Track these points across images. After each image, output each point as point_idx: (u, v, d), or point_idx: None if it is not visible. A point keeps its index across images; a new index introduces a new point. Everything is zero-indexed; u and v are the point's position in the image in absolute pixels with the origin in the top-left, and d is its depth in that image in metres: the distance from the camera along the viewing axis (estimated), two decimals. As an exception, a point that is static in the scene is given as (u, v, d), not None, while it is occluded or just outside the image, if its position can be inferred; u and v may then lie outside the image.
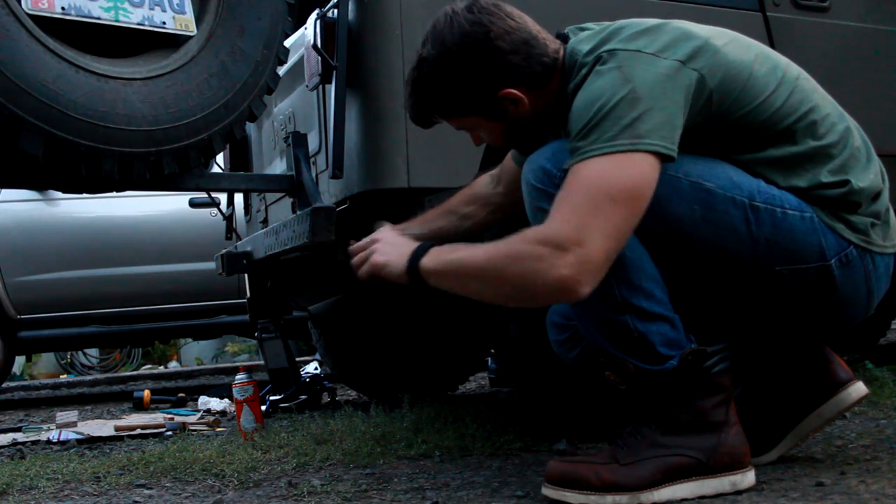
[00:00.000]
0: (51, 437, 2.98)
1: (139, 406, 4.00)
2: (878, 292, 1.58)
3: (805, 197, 1.49)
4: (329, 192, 2.26)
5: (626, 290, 1.43)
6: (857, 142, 1.57)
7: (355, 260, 1.66)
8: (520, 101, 1.53)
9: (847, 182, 1.50)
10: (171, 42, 2.11)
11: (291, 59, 2.45)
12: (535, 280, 1.33)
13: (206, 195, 3.21)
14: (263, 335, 3.39)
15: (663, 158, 1.37)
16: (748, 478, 1.48)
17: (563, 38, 1.59)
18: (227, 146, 2.87)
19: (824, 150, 1.51)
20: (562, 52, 1.56)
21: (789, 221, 1.47)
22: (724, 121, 1.48)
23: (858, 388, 1.64)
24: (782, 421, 1.68)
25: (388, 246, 1.59)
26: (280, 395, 3.38)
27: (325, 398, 3.55)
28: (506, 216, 1.81)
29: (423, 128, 1.71)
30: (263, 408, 3.08)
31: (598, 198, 1.33)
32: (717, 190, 1.46)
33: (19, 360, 8.08)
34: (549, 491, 1.47)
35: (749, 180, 1.48)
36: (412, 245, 1.54)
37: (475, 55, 1.49)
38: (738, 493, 1.47)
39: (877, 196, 1.54)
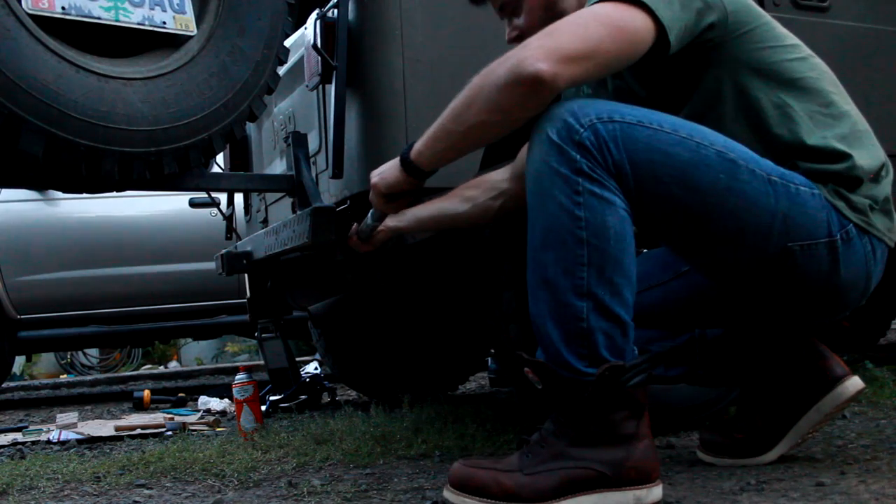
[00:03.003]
0: (51, 438, 2.98)
1: (139, 406, 4.00)
2: (875, 277, 1.58)
3: (809, 172, 1.51)
4: (329, 191, 2.26)
5: (594, 277, 1.38)
6: (862, 125, 1.61)
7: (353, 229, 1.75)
8: None
9: (850, 156, 1.52)
10: (172, 42, 2.11)
11: (291, 59, 2.45)
12: (506, 77, 1.35)
13: (206, 195, 3.20)
14: (263, 335, 3.39)
15: (659, 26, 1.41)
16: (654, 493, 1.41)
17: None
18: (228, 146, 2.87)
19: (833, 114, 1.56)
20: None
21: (802, 197, 1.48)
22: (741, 48, 1.55)
23: (855, 383, 1.64)
24: (781, 419, 1.67)
25: (377, 170, 1.69)
26: (280, 395, 3.38)
27: (325, 398, 3.56)
28: (508, 209, 1.75)
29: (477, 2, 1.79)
30: (263, 408, 3.08)
31: (578, 19, 1.40)
32: (740, 161, 1.46)
33: (19, 360, 8.08)
34: (449, 494, 1.42)
35: (764, 159, 1.50)
36: (396, 158, 1.63)
37: None
38: (736, 492, 1.47)
39: (876, 178, 1.55)
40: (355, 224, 1.86)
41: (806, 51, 1.65)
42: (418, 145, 1.56)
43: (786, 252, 1.47)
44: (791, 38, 1.64)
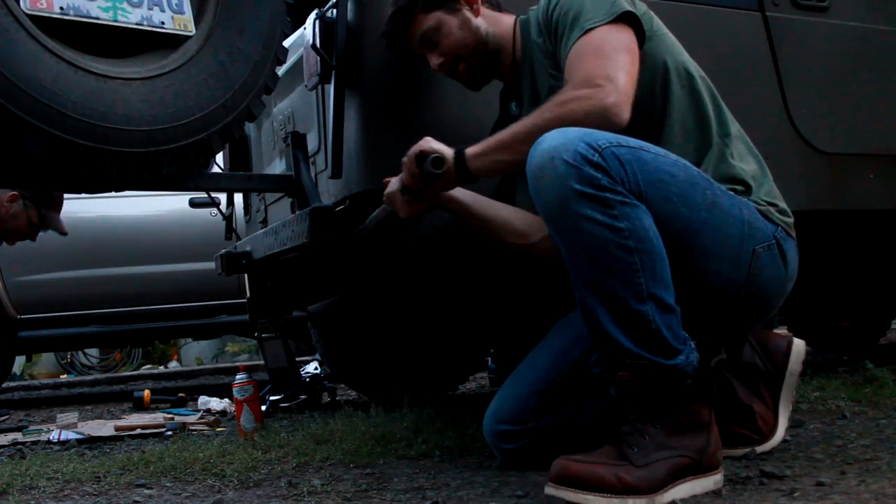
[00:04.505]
0: (51, 438, 2.98)
1: (139, 406, 4.00)
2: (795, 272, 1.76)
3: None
4: (328, 191, 2.26)
5: (650, 279, 1.44)
6: (742, 137, 1.81)
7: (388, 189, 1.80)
8: (475, 5, 1.88)
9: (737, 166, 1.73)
10: (170, 42, 2.11)
11: (291, 59, 2.45)
12: (588, 116, 1.54)
13: (206, 195, 3.21)
14: (263, 335, 3.39)
15: (637, 29, 1.68)
16: (722, 476, 1.53)
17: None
18: (227, 146, 2.87)
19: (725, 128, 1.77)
20: (515, 21, 1.90)
21: (748, 205, 1.65)
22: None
23: (798, 341, 1.78)
24: (765, 401, 1.76)
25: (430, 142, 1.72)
26: (280, 395, 3.38)
27: (325, 398, 3.56)
28: (544, 250, 1.77)
29: (396, 53, 1.98)
30: (263, 408, 3.08)
31: (607, 50, 1.62)
32: (712, 178, 1.62)
33: (19, 360, 8.08)
34: (566, 493, 1.41)
35: None
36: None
37: None
38: (736, 492, 1.47)
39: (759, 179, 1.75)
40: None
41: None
42: (476, 147, 1.65)
43: (754, 255, 1.61)
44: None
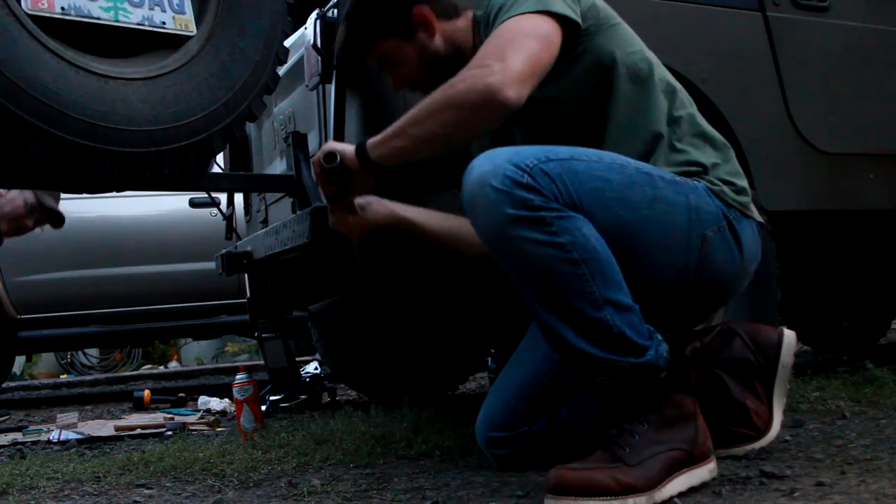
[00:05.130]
0: (51, 438, 2.98)
1: (139, 406, 4.00)
2: (759, 254, 1.76)
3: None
4: (329, 192, 2.26)
5: (602, 286, 1.44)
6: (693, 120, 1.77)
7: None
8: (430, 26, 1.79)
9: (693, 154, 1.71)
10: (171, 42, 2.11)
11: (291, 59, 2.45)
12: (468, 95, 1.50)
13: (206, 195, 3.20)
14: (263, 335, 3.39)
15: (565, 22, 1.61)
16: (714, 465, 1.55)
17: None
18: (227, 146, 2.87)
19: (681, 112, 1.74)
20: (471, 13, 1.84)
21: (697, 189, 1.63)
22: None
23: (788, 331, 1.77)
24: (759, 394, 1.75)
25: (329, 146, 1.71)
26: (280, 395, 3.38)
27: (325, 398, 3.56)
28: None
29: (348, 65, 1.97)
30: (263, 408, 3.08)
31: (513, 36, 1.56)
32: (651, 171, 1.60)
33: (19, 360, 8.08)
34: (567, 503, 1.40)
35: (654, 165, 1.65)
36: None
37: None
38: (736, 491, 1.47)
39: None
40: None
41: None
42: (376, 137, 1.63)
43: (704, 241, 1.61)
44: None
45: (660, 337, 1.52)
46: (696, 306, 1.73)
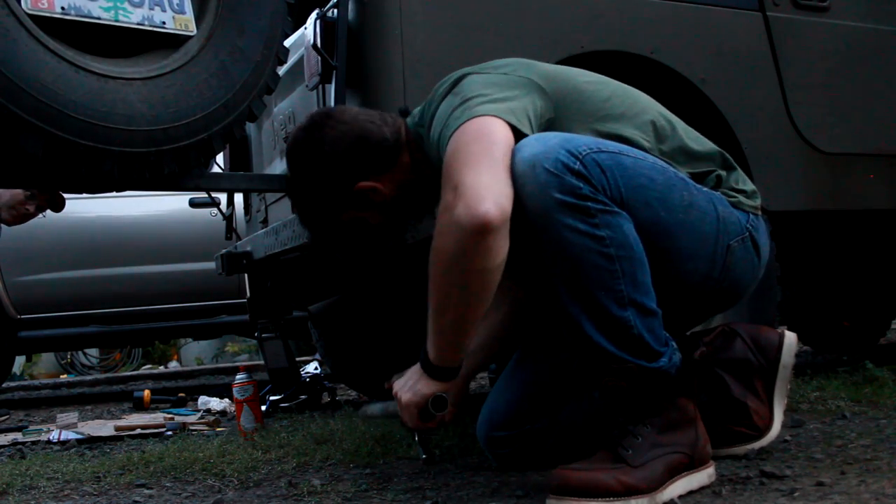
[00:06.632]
0: (51, 438, 2.98)
1: (139, 406, 4.00)
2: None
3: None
4: (329, 191, 2.26)
5: (630, 286, 1.45)
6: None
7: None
8: (377, 189, 1.68)
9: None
10: (171, 42, 2.11)
11: (291, 59, 2.45)
12: (448, 247, 1.41)
13: (206, 195, 3.20)
14: (263, 335, 3.39)
15: (509, 124, 1.48)
16: (714, 469, 1.56)
17: (404, 113, 1.77)
18: (227, 146, 2.87)
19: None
20: (404, 127, 1.73)
21: (721, 200, 1.65)
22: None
23: (789, 333, 1.77)
24: (760, 395, 1.75)
25: (401, 385, 1.69)
26: (280, 395, 3.38)
27: (325, 398, 3.56)
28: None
29: (316, 241, 1.93)
30: (263, 408, 3.08)
31: (456, 153, 1.45)
32: (687, 177, 1.62)
33: (19, 360, 8.08)
34: (570, 503, 1.41)
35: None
36: (416, 367, 1.65)
37: (318, 167, 1.68)
38: (735, 491, 1.47)
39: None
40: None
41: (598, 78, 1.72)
42: (428, 349, 1.59)
43: (729, 251, 1.62)
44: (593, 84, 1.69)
45: (675, 345, 1.53)
46: (705, 309, 1.74)
